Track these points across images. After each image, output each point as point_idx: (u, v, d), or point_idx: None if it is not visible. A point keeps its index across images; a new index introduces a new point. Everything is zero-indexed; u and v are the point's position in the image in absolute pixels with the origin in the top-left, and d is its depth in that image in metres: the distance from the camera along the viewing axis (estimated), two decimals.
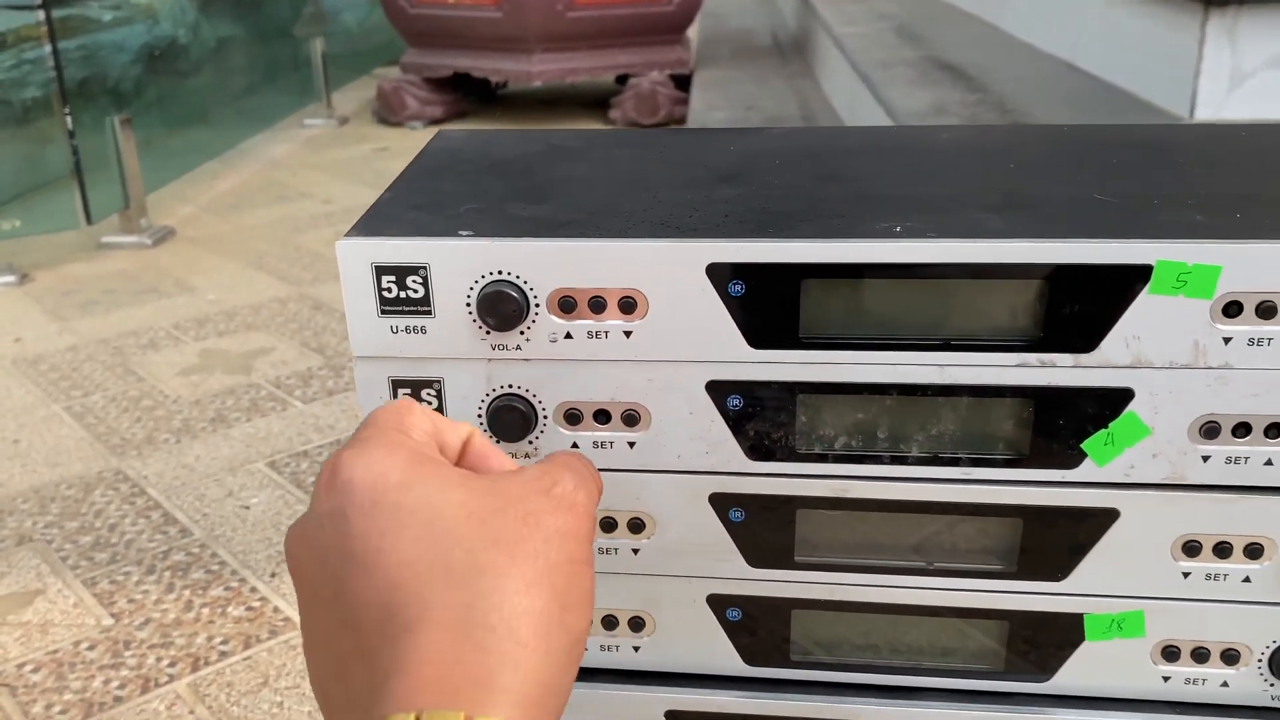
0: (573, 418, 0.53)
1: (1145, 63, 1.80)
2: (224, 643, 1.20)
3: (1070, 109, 1.80)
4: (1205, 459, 0.51)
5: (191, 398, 1.82)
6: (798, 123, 2.94)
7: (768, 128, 0.67)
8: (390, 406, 0.41)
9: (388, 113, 3.75)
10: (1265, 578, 0.53)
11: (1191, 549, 0.53)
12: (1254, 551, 0.52)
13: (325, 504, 0.37)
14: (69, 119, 2.44)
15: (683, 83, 3.64)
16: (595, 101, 3.84)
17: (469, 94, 3.87)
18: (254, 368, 1.92)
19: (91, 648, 1.21)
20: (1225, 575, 0.53)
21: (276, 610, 1.26)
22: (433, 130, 3.68)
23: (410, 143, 3.49)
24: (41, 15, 2.41)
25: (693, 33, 4.23)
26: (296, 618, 1.25)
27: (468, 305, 0.51)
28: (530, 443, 0.54)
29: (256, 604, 1.27)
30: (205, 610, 1.26)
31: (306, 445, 1.64)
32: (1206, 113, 1.62)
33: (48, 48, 2.49)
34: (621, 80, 3.67)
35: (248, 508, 1.49)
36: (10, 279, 2.37)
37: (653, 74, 3.59)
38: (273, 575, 1.33)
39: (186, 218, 2.80)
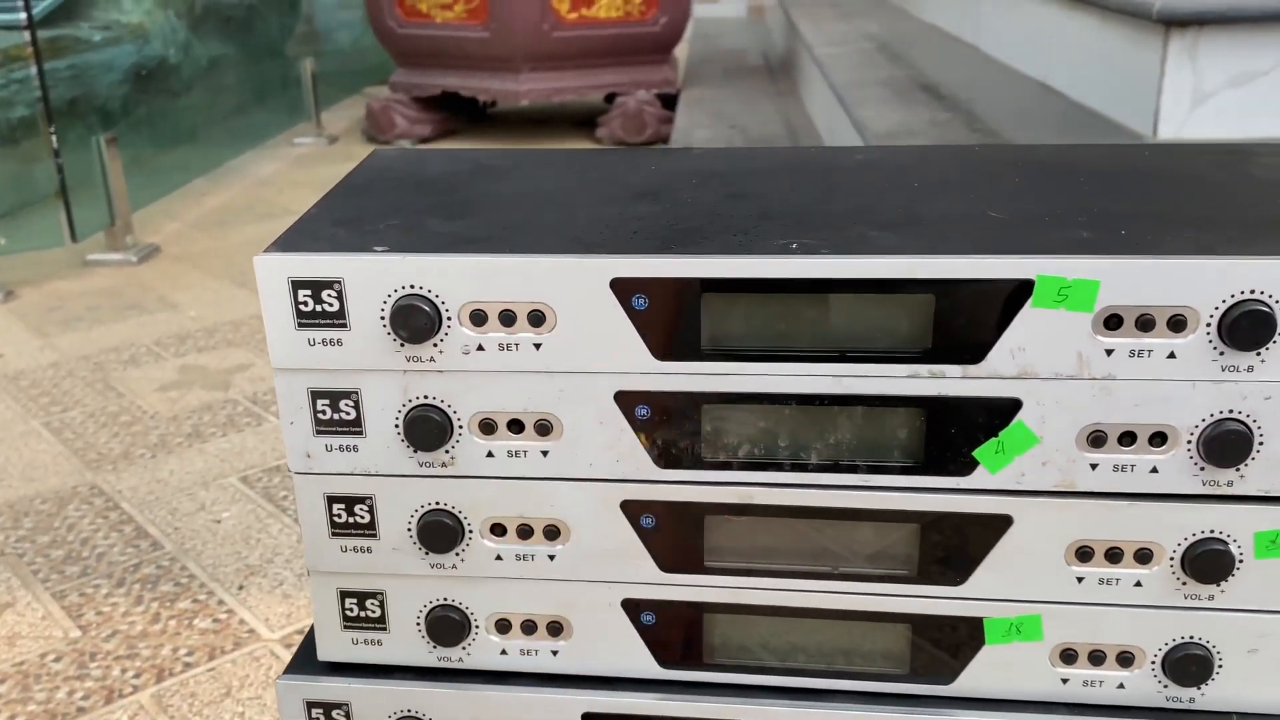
0: (487, 427, 0.55)
1: (1111, 82, 1.82)
2: (189, 654, 1.22)
3: (1038, 128, 1.83)
4: (1093, 466, 0.53)
5: (169, 413, 1.84)
6: (783, 141, 2.97)
7: (690, 149, 0.69)
8: None
9: (377, 131, 3.78)
10: (1156, 582, 0.54)
11: (1084, 554, 0.54)
12: (1144, 556, 0.54)
13: None
14: (54, 138, 2.47)
15: (670, 102, 3.67)
16: (583, 120, 3.87)
17: (457, 113, 3.90)
18: (232, 383, 1.94)
19: (58, 659, 1.22)
20: (1117, 580, 0.55)
21: (242, 622, 1.27)
22: (421, 149, 3.71)
23: None
24: (28, 36, 2.44)
25: (682, 52, 4.27)
26: (261, 630, 1.26)
27: (382, 318, 0.53)
28: (447, 451, 0.56)
29: (223, 616, 1.28)
30: (172, 622, 1.28)
31: (279, 460, 1.65)
32: (1169, 131, 1.64)
33: (35, 68, 2.52)
34: (609, 99, 3.70)
35: (219, 521, 1.50)
36: None
37: (640, 93, 3.62)
38: (240, 588, 1.34)
39: (172, 235, 2.82)
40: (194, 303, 2.32)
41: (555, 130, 3.88)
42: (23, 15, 2.57)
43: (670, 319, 0.52)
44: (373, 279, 0.52)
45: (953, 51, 2.70)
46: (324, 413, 0.55)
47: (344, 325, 0.53)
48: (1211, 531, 0.53)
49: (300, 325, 0.53)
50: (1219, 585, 0.54)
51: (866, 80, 2.30)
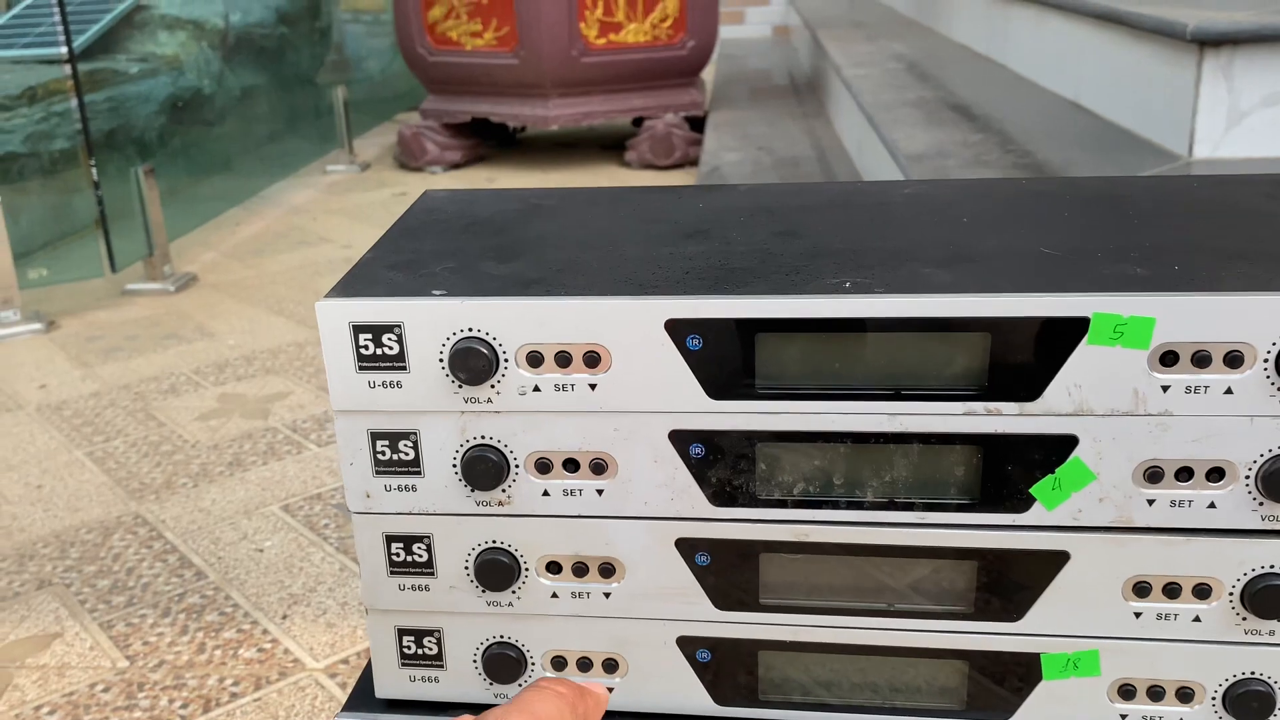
0: (543, 467, 0.56)
1: (1145, 102, 1.82)
2: (235, 684, 1.23)
3: (1070, 149, 1.82)
4: (1150, 502, 0.53)
5: (210, 442, 1.86)
6: (811, 163, 2.97)
7: (734, 185, 0.69)
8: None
9: (408, 158, 3.81)
10: (1215, 617, 0.54)
11: (1142, 589, 0.54)
12: (1202, 592, 0.54)
13: None
14: (94, 170, 2.51)
15: (698, 124, 3.68)
16: (612, 144, 3.89)
17: (487, 138, 3.93)
18: (271, 411, 1.96)
19: (106, 690, 1.23)
20: (1176, 615, 0.54)
21: (287, 652, 1.28)
22: (453, 175, 3.74)
23: (429, 187, 3.54)
24: (68, 69, 2.48)
25: (708, 74, 4.29)
26: (306, 660, 1.27)
27: (440, 361, 0.54)
28: (504, 490, 0.56)
29: (268, 645, 1.29)
30: (218, 652, 1.29)
31: (320, 488, 1.67)
32: (1204, 150, 1.63)
33: (75, 101, 2.56)
34: (638, 123, 3.72)
35: (261, 550, 1.52)
36: (37, 326, 2.42)
37: (668, 116, 3.63)
38: (284, 617, 1.35)
39: (209, 264, 2.85)
40: (231, 331, 2.35)
41: (584, 154, 3.90)
42: (63, 49, 2.62)
43: (724, 358, 0.53)
44: (432, 322, 0.53)
45: (982, 71, 2.70)
46: (383, 453, 0.56)
47: (403, 368, 0.54)
48: (1271, 566, 0.53)
49: (361, 368, 0.54)
50: None
51: (896, 101, 2.31)
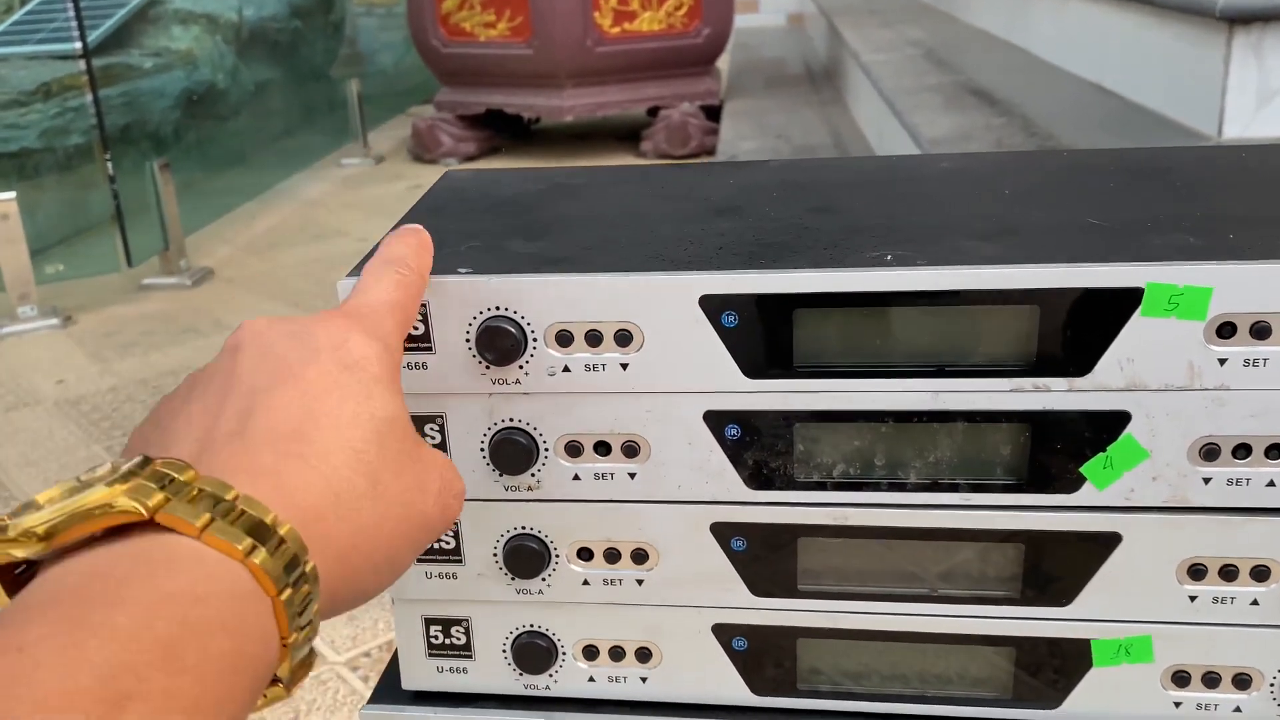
0: (573, 450, 0.54)
1: (1172, 82, 1.79)
2: None
3: (1097, 131, 1.80)
4: (1206, 481, 0.51)
5: None
6: (829, 151, 2.95)
7: (765, 161, 0.67)
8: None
9: (422, 150, 3.80)
10: (1273, 600, 0.52)
11: (1197, 572, 0.52)
12: (1260, 574, 0.52)
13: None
14: (110, 165, 2.50)
15: (713, 113, 3.66)
16: (627, 134, 3.87)
17: (502, 130, 3.91)
18: None
19: None
20: (1233, 598, 0.52)
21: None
22: (467, 167, 3.73)
23: None
24: (83, 65, 2.48)
25: (724, 63, 4.26)
26: (328, 653, 1.26)
27: (467, 341, 0.52)
28: (533, 475, 0.55)
29: None
30: None
31: None
32: (1234, 131, 1.61)
33: (90, 96, 2.56)
34: (653, 112, 3.70)
35: None
36: (54, 322, 2.42)
37: (683, 105, 3.61)
38: None
39: (225, 258, 2.85)
40: None
41: (599, 145, 3.88)
42: (77, 45, 2.61)
43: (761, 335, 0.51)
44: (458, 301, 0.51)
45: (1003, 55, 2.66)
46: None
47: (429, 348, 0.52)
48: None
49: None
50: None
51: (916, 87, 2.28)
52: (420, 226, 0.50)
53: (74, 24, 2.59)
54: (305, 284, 2.59)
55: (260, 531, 0.33)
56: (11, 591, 0.32)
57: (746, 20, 5.66)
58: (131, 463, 0.33)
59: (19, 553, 0.31)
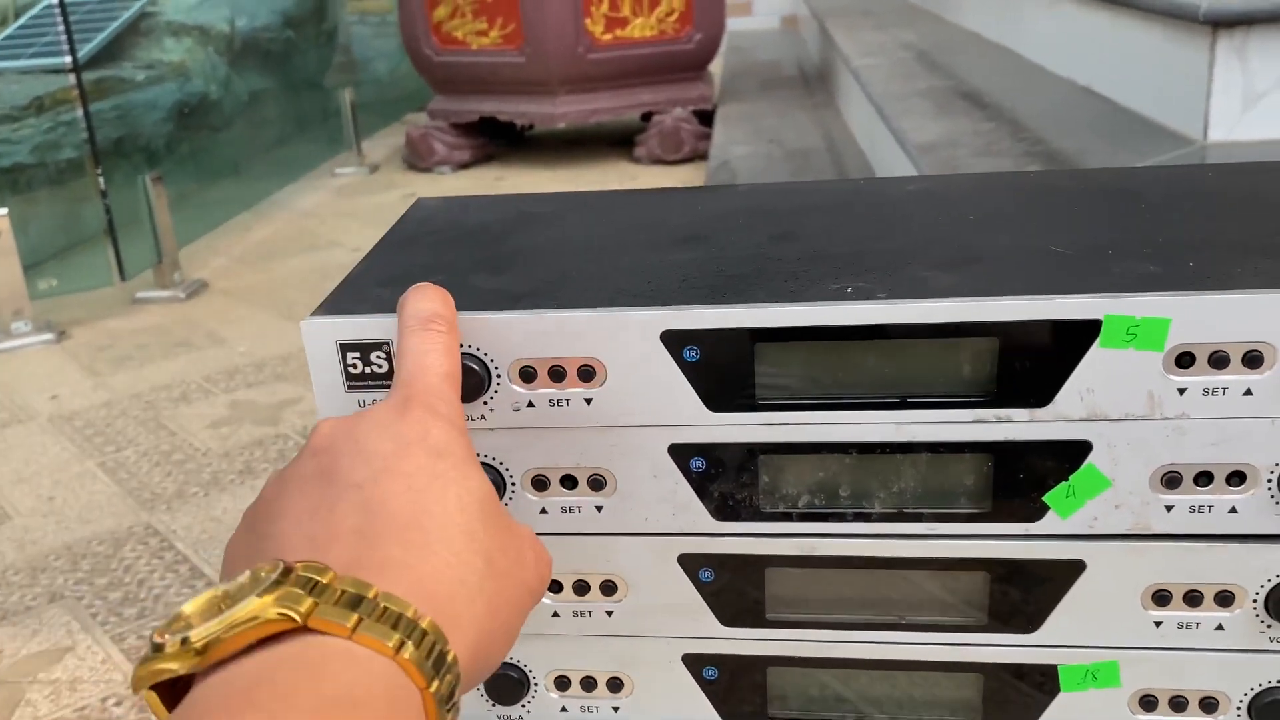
0: (540, 484, 0.54)
1: (1158, 86, 1.79)
2: None
3: (1083, 135, 1.80)
4: (1169, 509, 0.51)
5: (221, 450, 1.85)
6: (822, 155, 2.95)
7: (733, 185, 0.68)
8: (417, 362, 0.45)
9: (416, 159, 3.80)
10: (1238, 625, 0.52)
11: (1162, 598, 0.52)
12: (1225, 599, 0.52)
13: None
14: (101, 179, 2.50)
15: (707, 118, 3.66)
16: (621, 140, 3.87)
17: (496, 137, 3.91)
18: (282, 418, 1.95)
19: (119, 704, 1.22)
20: (1198, 624, 0.53)
21: None
22: (462, 175, 3.72)
23: (438, 187, 3.54)
24: (74, 79, 2.48)
25: (717, 67, 4.26)
26: None
27: None
28: None
29: None
30: None
31: None
32: (1220, 134, 1.61)
33: (81, 110, 2.56)
34: (646, 118, 3.70)
35: None
36: (48, 337, 2.42)
37: (676, 111, 3.61)
38: None
39: (219, 270, 2.85)
40: (242, 337, 2.34)
41: (593, 151, 3.88)
42: (68, 59, 2.61)
43: (723, 369, 0.51)
44: None
45: (993, 58, 2.66)
46: None
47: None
48: None
49: (350, 387, 0.53)
50: None
51: (906, 91, 2.28)
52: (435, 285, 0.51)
53: (64, 38, 2.59)
54: (299, 294, 2.59)
55: (404, 625, 0.33)
56: (169, 704, 0.33)
57: (740, 23, 5.66)
58: (275, 571, 0.33)
59: (177, 667, 0.32)
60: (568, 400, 0.52)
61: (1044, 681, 0.54)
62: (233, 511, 1.62)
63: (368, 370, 0.52)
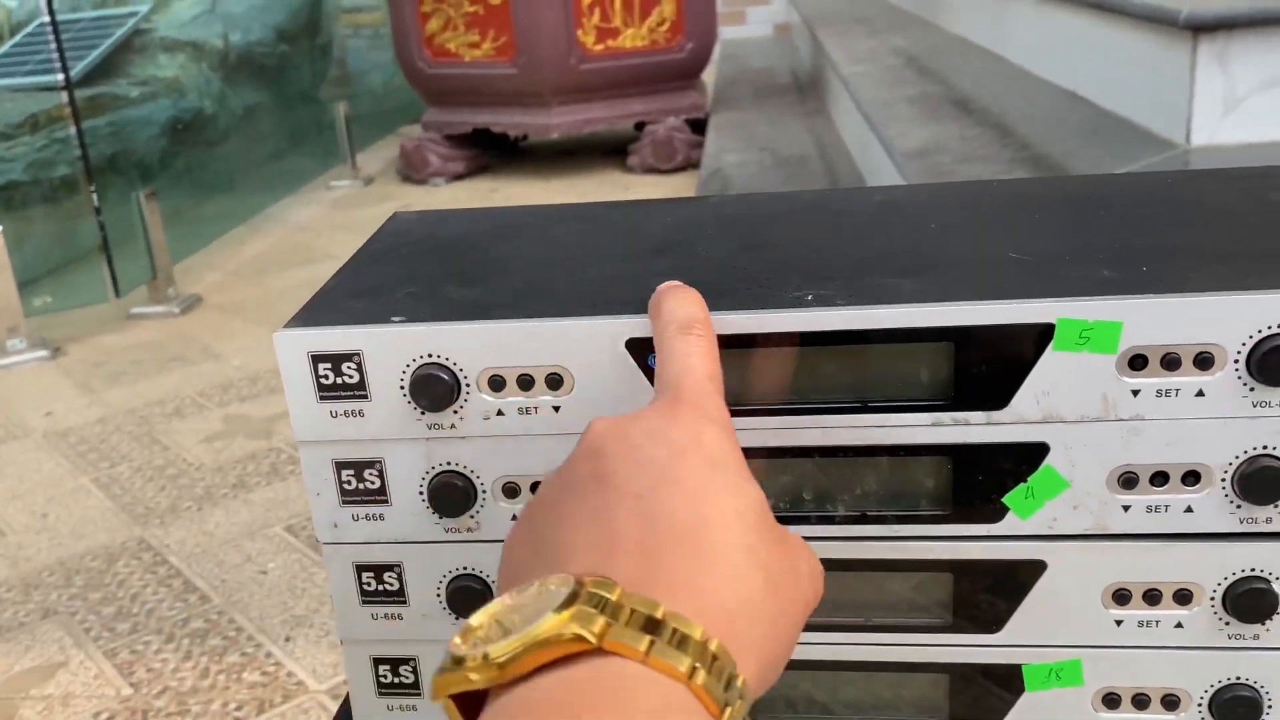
0: (511, 491, 0.55)
1: (1141, 90, 1.80)
2: (239, 709, 1.23)
3: (1068, 140, 1.81)
4: (1126, 508, 0.52)
5: (214, 464, 1.86)
6: (814, 163, 2.96)
7: (706, 197, 0.69)
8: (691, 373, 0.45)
9: (411, 171, 3.82)
10: (1197, 623, 0.53)
11: (1121, 597, 0.53)
12: (1183, 597, 0.53)
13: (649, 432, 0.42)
14: (95, 197, 2.52)
15: (700, 126, 3.68)
16: (614, 149, 3.89)
17: (489, 148, 3.93)
18: (275, 432, 1.96)
19: (111, 718, 1.23)
20: (1157, 621, 0.53)
21: (290, 674, 1.28)
22: (456, 186, 3.74)
23: (432, 199, 3.55)
24: (66, 96, 2.49)
25: (710, 74, 4.28)
26: (309, 682, 1.27)
27: (402, 388, 0.53)
28: (471, 517, 0.56)
29: (271, 669, 1.29)
30: (221, 677, 1.29)
31: None
32: (1202, 138, 1.62)
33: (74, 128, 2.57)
34: (640, 127, 3.72)
35: (265, 573, 1.52)
36: (44, 353, 2.43)
37: (669, 120, 3.63)
38: (287, 639, 1.35)
39: (214, 284, 2.86)
40: (236, 352, 2.35)
41: (587, 160, 3.90)
42: (60, 76, 2.63)
43: None
44: (391, 350, 0.53)
45: (981, 64, 2.68)
46: (349, 483, 0.56)
47: (365, 396, 0.53)
48: (1252, 570, 0.52)
49: (322, 398, 0.54)
50: (1264, 624, 0.53)
51: (894, 98, 2.30)
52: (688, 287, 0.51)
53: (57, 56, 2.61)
54: (293, 308, 2.59)
55: (694, 649, 0.33)
56: (468, 715, 0.33)
57: (733, 32, 5.68)
58: (566, 587, 0.33)
59: (478, 679, 0.32)
60: (536, 408, 0.53)
61: (1009, 681, 0.55)
62: (225, 525, 1.63)
63: (339, 381, 0.53)
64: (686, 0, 3.54)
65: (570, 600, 0.33)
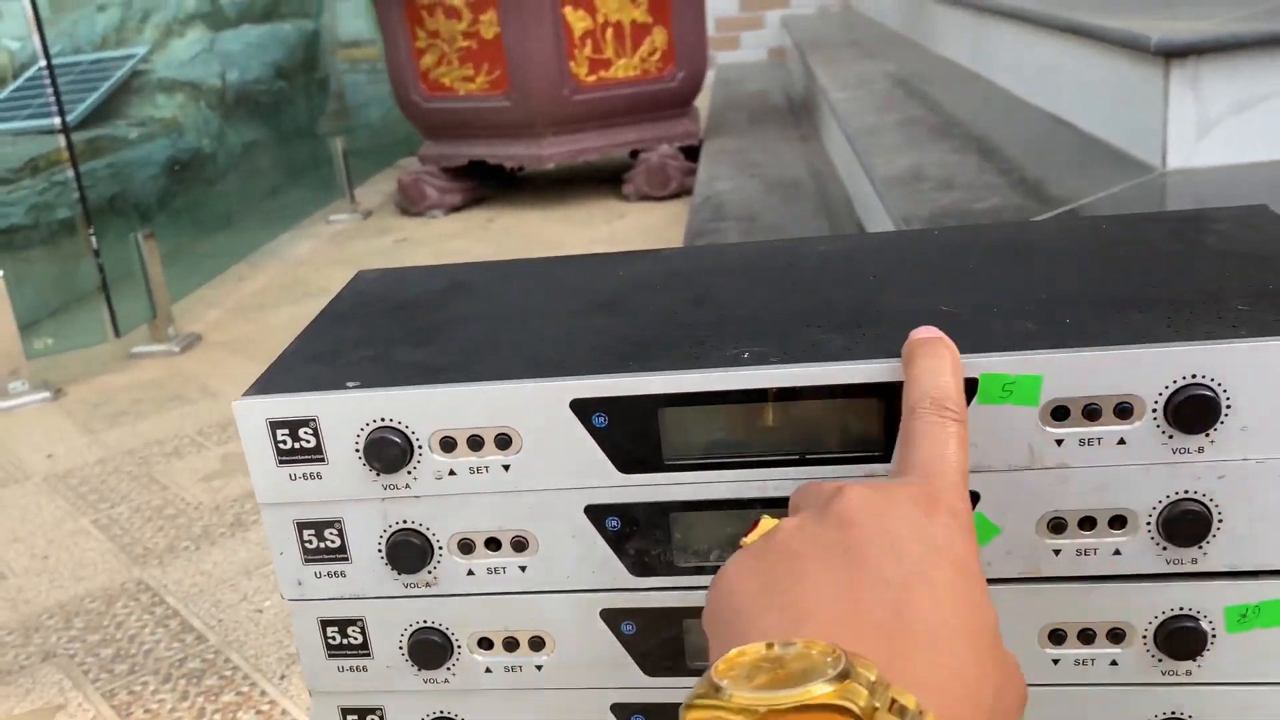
0: (466, 547, 0.57)
1: (1118, 114, 1.82)
2: None
3: (1047, 166, 1.83)
4: (1056, 552, 0.53)
5: (212, 503, 1.88)
6: (806, 189, 2.98)
7: (658, 250, 0.71)
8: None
9: (408, 204, 3.85)
10: (1131, 660, 0.55)
11: (1057, 637, 0.55)
12: (1117, 636, 0.55)
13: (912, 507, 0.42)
14: (94, 239, 2.55)
15: (693, 153, 3.70)
16: (608, 177, 3.92)
17: (486, 180, 3.96)
18: None
19: None
20: (1093, 660, 0.55)
21: (285, 713, 1.30)
22: (453, 218, 3.77)
23: (429, 231, 3.58)
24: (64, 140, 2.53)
25: (705, 100, 4.31)
26: (303, 719, 1.29)
27: (357, 450, 0.55)
28: (429, 572, 0.58)
29: (265, 707, 1.31)
30: (217, 717, 1.30)
31: None
32: (1178, 161, 1.64)
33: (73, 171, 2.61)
34: (634, 154, 3.74)
35: (260, 611, 1.53)
36: (45, 395, 2.46)
37: (662, 147, 3.66)
38: (282, 678, 1.37)
39: (213, 322, 2.89)
40: (235, 390, 2.37)
41: (582, 189, 3.93)
42: (58, 120, 2.67)
43: (630, 433, 0.54)
44: (345, 415, 0.55)
45: (967, 88, 2.71)
46: (310, 542, 0.58)
47: (322, 459, 0.56)
48: (1181, 609, 0.54)
49: (281, 462, 0.56)
50: (1195, 661, 0.54)
51: (879, 125, 2.32)
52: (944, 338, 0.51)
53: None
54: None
55: None
56: None
57: (728, 57, 5.72)
58: (839, 661, 0.34)
59: (736, 716, 0.33)
60: (487, 467, 0.55)
61: None
62: (223, 565, 1.65)
63: (297, 445, 0.55)
64: (677, 30, 3.57)
65: (844, 675, 0.34)
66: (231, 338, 2.74)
